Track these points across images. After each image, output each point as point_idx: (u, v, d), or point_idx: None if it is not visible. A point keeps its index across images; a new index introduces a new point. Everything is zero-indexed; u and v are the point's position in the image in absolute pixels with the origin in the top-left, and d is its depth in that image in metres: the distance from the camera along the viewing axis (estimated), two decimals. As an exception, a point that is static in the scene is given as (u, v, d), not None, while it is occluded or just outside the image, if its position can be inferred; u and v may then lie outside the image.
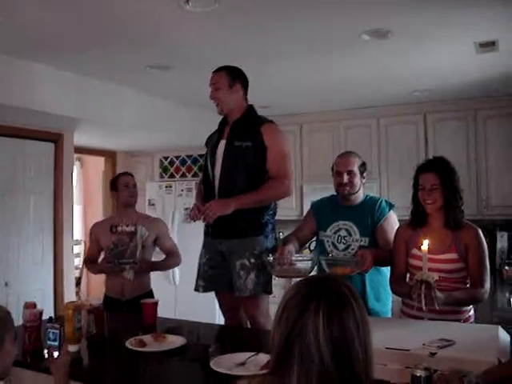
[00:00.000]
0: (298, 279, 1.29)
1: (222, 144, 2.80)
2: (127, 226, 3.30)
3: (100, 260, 3.50)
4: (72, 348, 2.21)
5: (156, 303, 2.76)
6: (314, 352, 1.07)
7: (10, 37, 3.20)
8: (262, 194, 2.69)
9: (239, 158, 2.71)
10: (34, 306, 2.38)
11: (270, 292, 2.80)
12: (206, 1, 2.64)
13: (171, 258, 3.49)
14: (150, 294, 3.31)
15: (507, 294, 3.74)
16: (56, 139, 4.69)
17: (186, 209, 5.72)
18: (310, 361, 1.07)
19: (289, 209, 5.52)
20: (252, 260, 2.69)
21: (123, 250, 3.24)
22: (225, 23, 3.01)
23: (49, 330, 1.86)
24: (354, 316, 1.11)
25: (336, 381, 1.07)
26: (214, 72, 2.83)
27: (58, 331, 1.85)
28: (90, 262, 3.52)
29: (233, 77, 2.80)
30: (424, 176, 2.51)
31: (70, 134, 4.80)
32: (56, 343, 1.83)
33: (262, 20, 2.98)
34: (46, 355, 1.88)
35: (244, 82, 2.84)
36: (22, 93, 3.71)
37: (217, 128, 2.95)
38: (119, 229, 3.31)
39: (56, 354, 1.80)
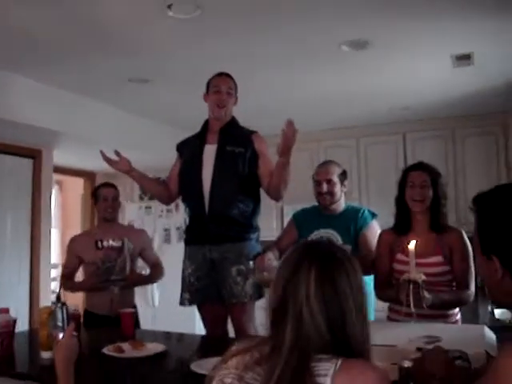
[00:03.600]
0: None
1: (211, 148, 2.78)
2: (113, 240, 3.18)
3: (83, 277, 3.32)
4: (45, 355, 2.14)
5: (134, 312, 2.68)
6: (305, 311, 1.07)
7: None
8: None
9: (232, 162, 2.72)
10: (7, 311, 2.30)
11: (262, 295, 2.78)
12: (188, 7, 2.67)
13: (156, 271, 3.39)
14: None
15: (489, 307, 3.72)
16: (34, 155, 4.64)
17: (166, 230, 5.66)
18: (302, 320, 1.07)
19: (269, 229, 5.47)
20: (248, 265, 2.67)
21: (111, 266, 3.12)
22: (205, 32, 3.04)
23: (55, 309, 1.74)
24: (348, 277, 1.11)
25: (329, 341, 1.07)
26: (224, 75, 2.83)
27: (60, 310, 1.73)
28: (67, 278, 3.30)
29: (236, 86, 2.86)
30: (414, 173, 2.52)
31: (48, 151, 4.75)
32: (61, 324, 1.71)
33: (244, 29, 3.02)
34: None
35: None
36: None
37: (194, 134, 2.95)
38: (105, 244, 3.17)
39: (60, 335, 1.69)
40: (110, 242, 3.18)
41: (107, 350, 2.18)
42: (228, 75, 2.85)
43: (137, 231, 3.47)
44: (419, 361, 1.46)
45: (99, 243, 3.19)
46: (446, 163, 5.03)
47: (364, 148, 5.45)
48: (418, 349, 1.79)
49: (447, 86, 4.04)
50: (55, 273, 6.79)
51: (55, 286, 6.66)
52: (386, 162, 5.30)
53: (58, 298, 2.22)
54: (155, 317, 5.41)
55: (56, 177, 5.82)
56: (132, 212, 5.84)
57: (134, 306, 3.23)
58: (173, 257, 5.13)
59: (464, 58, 3.40)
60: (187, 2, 2.62)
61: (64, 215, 7.51)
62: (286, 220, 5.52)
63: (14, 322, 2.30)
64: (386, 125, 5.27)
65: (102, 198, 3.28)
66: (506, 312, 3.48)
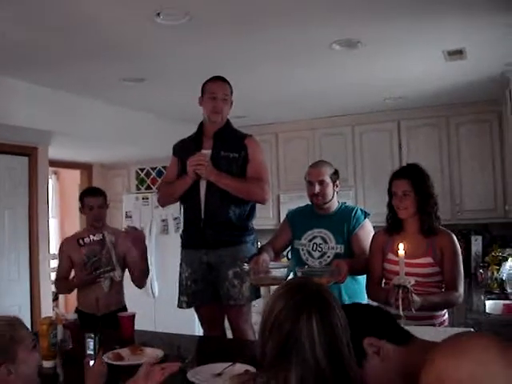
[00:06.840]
0: (276, 287, 1.36)
1: (207, 154, 2.79)
2: (94, 235, 3.19)
3: (71, 277, 3.33)
4: (47, 364, 2.21)
5: (133, 316, 2.73)
6: (310, 357, 1.15)
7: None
8: (241, 182, 2.74)
9: (227, 168, 2.75)
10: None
11: (259, 296, 2.87)
12: (177, 14, 2.66)
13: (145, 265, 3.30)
14: (124, 310, 3.21)
15: (482, 297, 3.79)
16: (30, 153, 4.63)
17: (163, 220, 5.70)
18: (307, 365, 1.15)
19: (266, 218, 5.54)
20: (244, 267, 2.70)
21: (97, 259, 3.13)
22: (196, 36, 3.03)
23: (87, 339, 1.87)
24: (339, 316, 1.21)
25: (330, 378, 1.15)
26: (220, 81, 2.83)
27: (92, 340, 1.85)
28: (61, 280, 3.33)
29: (231, 91, 2.86)
30: (396, 182, 2.56)
31: (44, 148, 4.73)
32: (92, 352, 1.84)
33: (234, 33, 3.02)
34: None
35: None
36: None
37: (189, 137, 2.96)
38: (86, 240, 3.18)
39: (91, 362, 1.80)
40: (91, 237, 3.18)
41: (107, 358, 2.23)
42: (223, 80, 2.84)
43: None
44: None
45: (80, 241, 3.19)
46: (441, 151, 5.07)
47: (359, 135, 5.46)
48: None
49: (440, 77, 4.04)
50: (55, 263, 6.84)
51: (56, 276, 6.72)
52: (381, 149, 5.33)
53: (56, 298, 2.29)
54: (156, 307, 5.50)
55: (52, 168, 5.83)
56: (129, 203, 5.87)
57: (125, 307, 3.25)
58: (171, 247, 5.20)
59: (456, 54, 3.40)
60: (175, 9, 2.61)
61: (62, 204, 7.53)
62: (283, 208, 5.62)
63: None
64: (380, 112, 5.27)
65: (87, 208, 3.25)
66: (498, 303, 3.54)
